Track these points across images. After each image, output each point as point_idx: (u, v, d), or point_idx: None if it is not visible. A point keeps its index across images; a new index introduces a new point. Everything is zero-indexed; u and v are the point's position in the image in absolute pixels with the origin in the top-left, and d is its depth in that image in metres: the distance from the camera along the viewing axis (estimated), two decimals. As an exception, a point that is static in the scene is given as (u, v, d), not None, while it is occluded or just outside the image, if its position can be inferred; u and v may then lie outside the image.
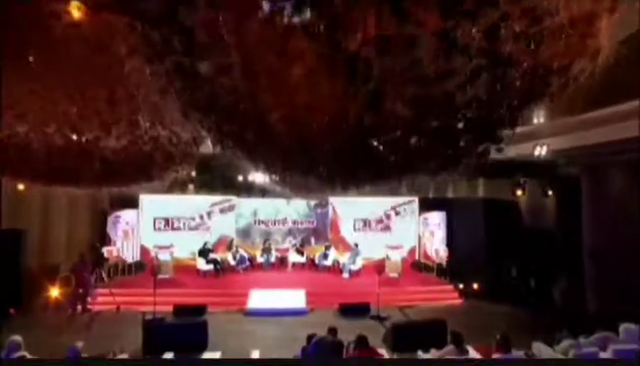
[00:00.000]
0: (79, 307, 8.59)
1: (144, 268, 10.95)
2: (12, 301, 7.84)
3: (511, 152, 8.98)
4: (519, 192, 10.10)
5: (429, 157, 1.78)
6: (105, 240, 10.63)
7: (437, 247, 11.37)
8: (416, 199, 12.62)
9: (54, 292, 8.40)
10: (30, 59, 2.60)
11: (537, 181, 10.15)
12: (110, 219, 10.93)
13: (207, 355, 5.48)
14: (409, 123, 1.55)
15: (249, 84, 1.48)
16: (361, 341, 5.29)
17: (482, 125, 1.67)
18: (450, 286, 10.19)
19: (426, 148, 1.71)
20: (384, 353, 5.49)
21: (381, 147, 1.83)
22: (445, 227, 11.42)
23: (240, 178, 10.74)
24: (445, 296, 9.90)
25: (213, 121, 1.70)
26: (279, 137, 1.79)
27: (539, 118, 7.36)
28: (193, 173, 10.30)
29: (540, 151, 7.81)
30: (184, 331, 6.86)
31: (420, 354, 5.43)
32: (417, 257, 12.19)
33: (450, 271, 10.54)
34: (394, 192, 13.18)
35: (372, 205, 12.64)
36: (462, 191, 13.89)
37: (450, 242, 11.11)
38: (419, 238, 12.27)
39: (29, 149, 2.69)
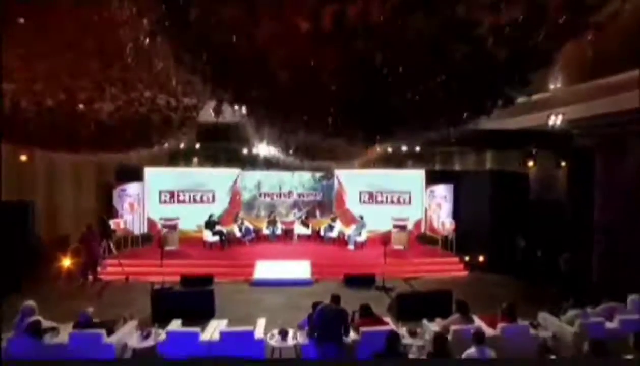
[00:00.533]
0: (90, 277, 8.77)
1: (152, 240, 11.10)
2: (23, 271, 8.00)
3: (524, 121, 8.69)
4: (530, 163, 9.85)
5: (449, 100, 1.58)
6: (112, 212, 10.72)
7: (443, 219, 11.28)
8: (422, 171, 12.45)
9: (65, 262, 8.58)
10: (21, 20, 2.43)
11: (549, 152, 9.87)
12: (116, 192, 11.00)
13: (214, 322, 5.55)
14: (427, 58, 1.35)
15: (244, 17, 1.30)
16: (365, 309, 5.34)
17: (512, 60, 1.45)
18: (456, 259, 10.18)
19: (446, 88, 1.51)
20: (389, 321, 5.50)
21: (395, 91, 1.62)
22: (452, 200, 11.29)
23: (244, 151, 10.62)
24: (451, 268, 9.90)
25: (207, 64, 1.54)
26: (281, 86, 1.62)
27: (556, 83, 6.99)
28: (197, 146, 10.23)
29: (555, 121, 7.50)
30: (192, 299, 6.98)
31: (425, 323, 5.44)
32: (423, 230, 12.16)
33: (456, 243, 10.50)
34: (400, 164, 13.08)
35: (378, 177, 12.51)
36: (470, 163, 13.66)
37: (457, 214, 11.00)
38: (426, 210, 12.18)
39: (18, 109, 2.56)
